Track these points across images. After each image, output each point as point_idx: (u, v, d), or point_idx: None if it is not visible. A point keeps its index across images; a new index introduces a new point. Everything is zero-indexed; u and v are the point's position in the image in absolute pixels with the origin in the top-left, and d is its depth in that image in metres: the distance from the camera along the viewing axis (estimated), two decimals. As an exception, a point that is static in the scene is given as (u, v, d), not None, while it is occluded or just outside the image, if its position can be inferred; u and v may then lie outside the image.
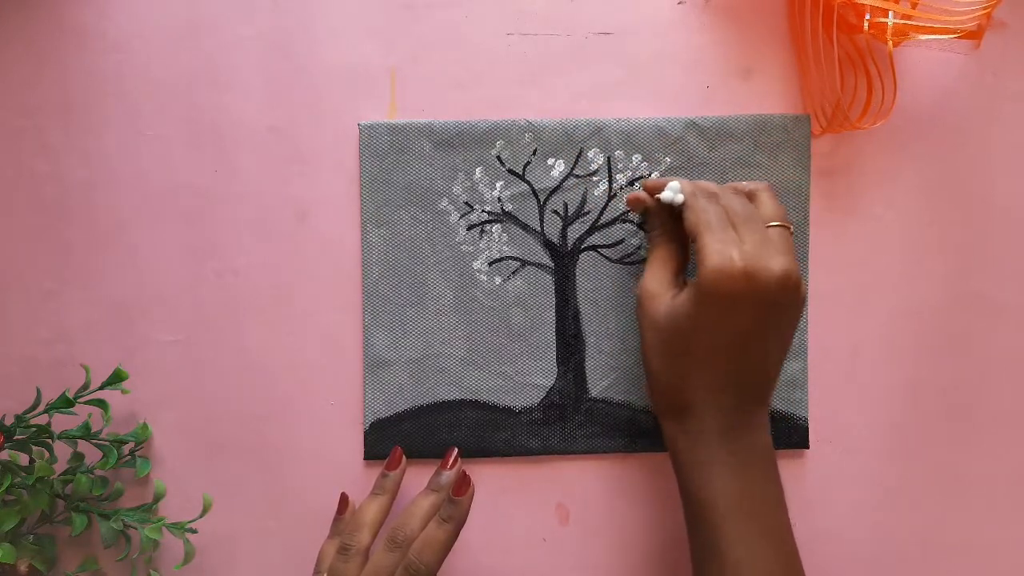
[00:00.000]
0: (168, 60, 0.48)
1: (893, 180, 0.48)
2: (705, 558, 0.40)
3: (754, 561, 0.38)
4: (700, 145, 0.48)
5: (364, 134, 0.48)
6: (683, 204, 0.42)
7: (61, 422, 0.46)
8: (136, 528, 0.46)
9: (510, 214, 0.48)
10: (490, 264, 0.48)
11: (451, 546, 0.42)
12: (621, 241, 0.48)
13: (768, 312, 0.39)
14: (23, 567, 0.46)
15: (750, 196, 0.43)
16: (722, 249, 0.38)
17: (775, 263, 0.38)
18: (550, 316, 0.48)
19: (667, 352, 0.41)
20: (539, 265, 0.48)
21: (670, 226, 0.43)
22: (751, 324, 0.39)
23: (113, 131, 0.48)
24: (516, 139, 0.48)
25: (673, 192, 0.42)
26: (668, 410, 0.42)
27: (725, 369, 0.40)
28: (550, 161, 0.48)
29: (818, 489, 0.49)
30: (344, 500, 0.46)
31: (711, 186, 0.42)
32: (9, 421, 0.46)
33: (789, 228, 0.41)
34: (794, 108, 0.48)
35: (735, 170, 0.48)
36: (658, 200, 0.43)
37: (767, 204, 0.42)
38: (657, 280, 0.42)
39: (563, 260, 0.48)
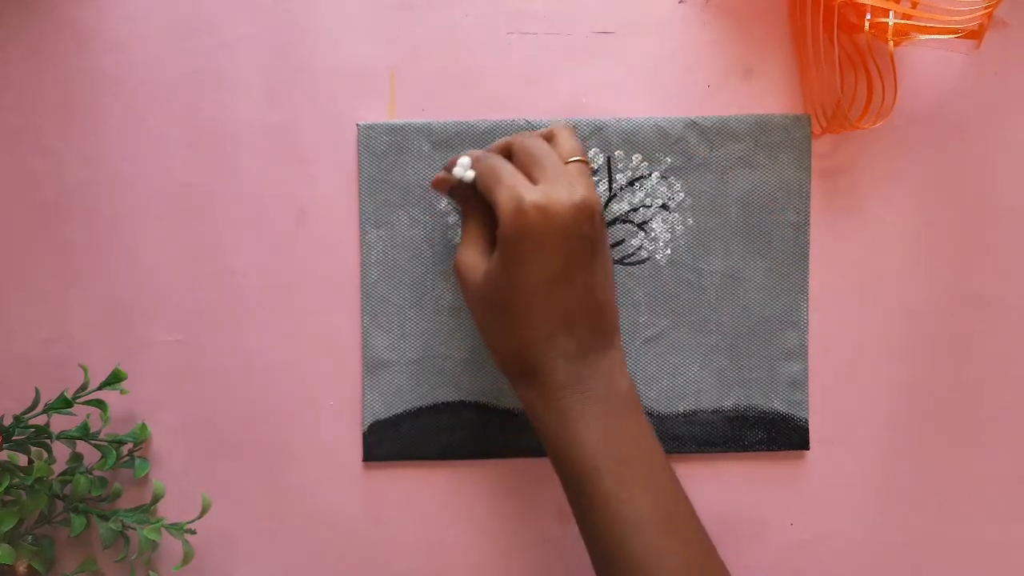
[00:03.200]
0: (168, 60, 0.48)
1: (893, 180, 0.48)
2: (586, 518, 0.39)
3: (633, 511, 0.37)
4: (700, 145, 0.48)
5: (363, 134, 0.48)
6: (472, 170, 0.41)
7: (60, 422, 0.46)
8: (135, 529, 0.46)
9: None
10: (489, 264, 0.48)
11: None
12: (621, 242, 0.48)
13: (574, 244, 0.38)
14: (22, 568, 0.46)
15: (547, 137, 0.41)
16: (512, 194, 0.37)
17: (568, 193, 0.37)
18: (550, 316, 0.48)
19: (494, 316, 0.40)
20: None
21: (476, 199, 0.42)
22: (561, 261, 0.38)
23: (113, 131, 0.48)
24: (516, 139, 0.48)
25: (463, 168, 0.41)
26: (517, 376, 0.40)
27: (552, 313, 0.38)
28: (550, 161, 0.48)
29: (818, 489, 0.49)
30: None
31: (505, 140, 0.42)
32: (8, 421, 0.45)
33: (586, 162, 0.40)
34: (794, 108, 0.48)
35: (735, 170, 0.48)
36: (454, 177, 0.42)
37: (564, 142, 0.41)
38: (470, 251, 0.41)
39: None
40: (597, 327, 0.40)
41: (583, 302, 0.39)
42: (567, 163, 0.40)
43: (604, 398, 0.39)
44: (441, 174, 0.43)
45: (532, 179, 0.39)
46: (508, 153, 0.41)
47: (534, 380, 0.39)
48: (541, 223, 0.37)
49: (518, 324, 0.39)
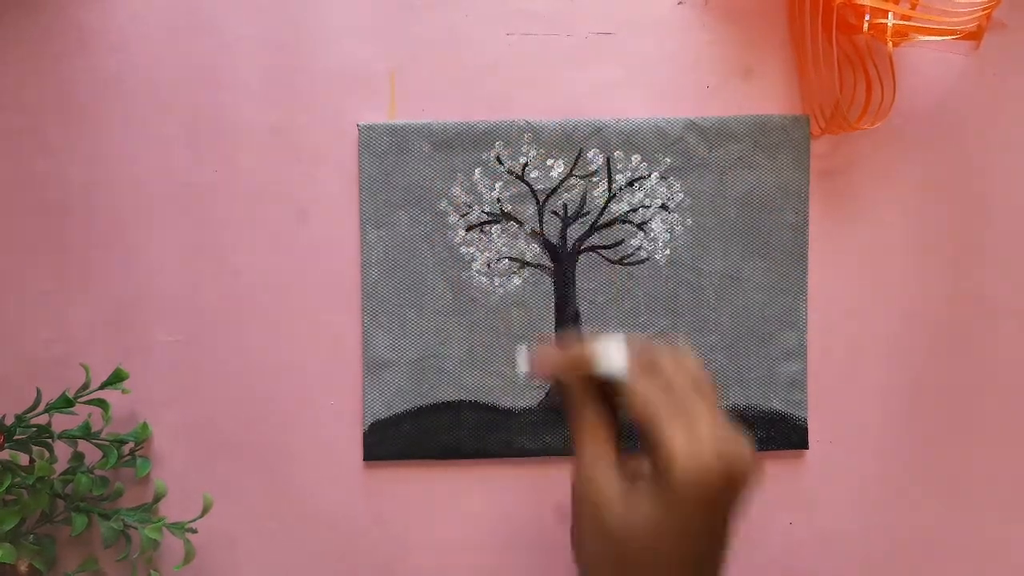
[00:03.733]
0: (169, 61, 0.48)
1: (892, 180, 0.48)
2: None
3: None
4: (700, 145, 0.48)
5: (363, 135, 0.48)
6: (629, 384, 0.33)
7: (61, 422, 0.46)
8: (136, 528, 0.46)
9: (509, 215, 0.48)
10: (489, 265, 0.48)
11: None
12: (621, 242, 0.48)
13: (739, 504, 0.32)
14: (23, 567, 0.46)
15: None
16: (689, 441, 0.31)
17: (743, 446, 0.31)
18: (549, 317, 0.48)
19: (621, 566, 0.32)
20: (538, 266, 0.48)
21: (592, 395, 0.35)
22: (723, 524, 0.32)
23: (113, 131, 0.48)
24: (515, 140, 0.48)
25: (617, 359, 0.34)
26: None
27: None
28: (549, 162, 0.48)
29: (818, 489, 0.49)
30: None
31: (649, 347, 0.35)
32: (9, 421, 0.46)
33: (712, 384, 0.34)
34: (793, 109, 0.48)
35: (734, 170, 0.48)
36: (582, 370, 0.34)
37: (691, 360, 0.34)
38: (605, 478, 0.33)
39: (562, 261, 0.48)
40: None
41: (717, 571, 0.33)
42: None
43: None
44: (569, 358, 0.35)
45: (689, 413, 0.32)
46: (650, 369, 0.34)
47: None
48: (723, 486, 0.31)
49: None
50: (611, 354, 0.34)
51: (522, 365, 0.38)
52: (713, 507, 0.31)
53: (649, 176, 0.48)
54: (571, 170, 0.48)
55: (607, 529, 0.32)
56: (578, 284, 0.48)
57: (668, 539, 0.31)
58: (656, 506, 0.31)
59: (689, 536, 0.31)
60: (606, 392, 0.35)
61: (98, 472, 0.47)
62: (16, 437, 0.45)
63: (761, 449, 0.48)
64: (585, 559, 0.34)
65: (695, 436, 0.31)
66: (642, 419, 0.32)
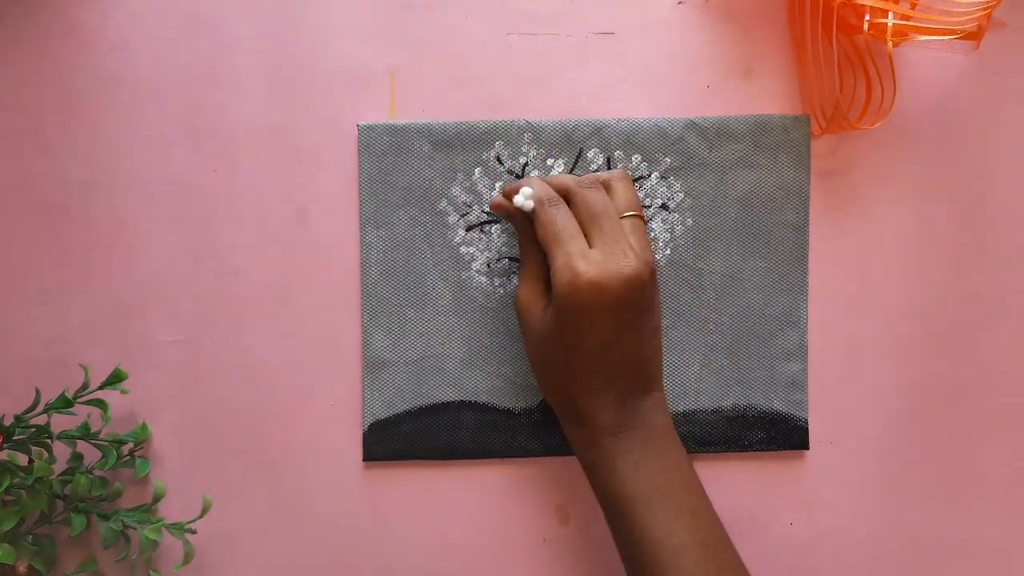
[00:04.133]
0: (169, 60, 0.48)
1: (892, 180, 0.48)
2: (626, 546, 0.41)
3: (670, 537, 0.39)
4: (700, 145, 0.48)
5: (363, 135, 0.48)
6: (533, 212, 0.42)
7: (60, 422, 0.46)
8: (135, 528, 0.46)
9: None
10: (489, 265, 0.48)
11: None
12: (621, 241, 0.48)
13: (624, 313, 0.40)
14: (22, 567, 0.46)
15: (605, 186, 0.43)
16: (568, 263, 0.39)
17: (622, 266, 0.39)
18: (550, 316, 0.48)
19: (546, 363, 0.42)
20: (538, 265, 0.48)
21: (533, 231, 0.43)
22: (611, 329, 0.40)
23: (114, 131, 0.48)
24: (515, 140, 0.48)
25: (524, 198, 0.42)
26: (562, 415, 0.43)
27: (599, 371, 0.41)
28: (549, 162, 0.48)
29: (818, 489, 0.49)
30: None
31: (566, 181, 0.43)
32: (8, 421, 0.45)
33: (642, 217, 0.42)
34: (794, 108, 0.48)
35: (735, 170, 0.48)
36: (513, 205, 0.43)
37: (620, 194, 0.42)
38: (529, 290, 0.43)
39: (563, 260, 0.48)
40: (639, 377, 0.42)
41: (629, 358, 0.41)
42: (622, 217, 0.41)
43: (642, 436, 0.41)
44: (499, 199, 0.45)
45: (589, 238, 0.41)
46: (568, 200, 0.42)
47: (579, 422, 0.42)
48: (594, 299, 0.39)
49: (568, 377, 0.41)
50: (524, 191, 0.42)
51: (519, 199, 0.42)
52: (589, 317, 0.39)
53: (649, 176, 0.48)
54: (571, 170, 0.48)
55: (532, 333, 0.42)
56: (578, 284, 0.48)
57: (564, 343, 0.40)
58: (553, 317, 0.40)
59: (577, 340, 0.40)
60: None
61: (97, 473, 0.47)
62: (15, 437, 0.45)
63: (761, 449, 0.48)
64: (531, 364, 0.44)
65: (574, 258, 0.39)
66: (542, 243, 0.41)
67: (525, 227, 0.44)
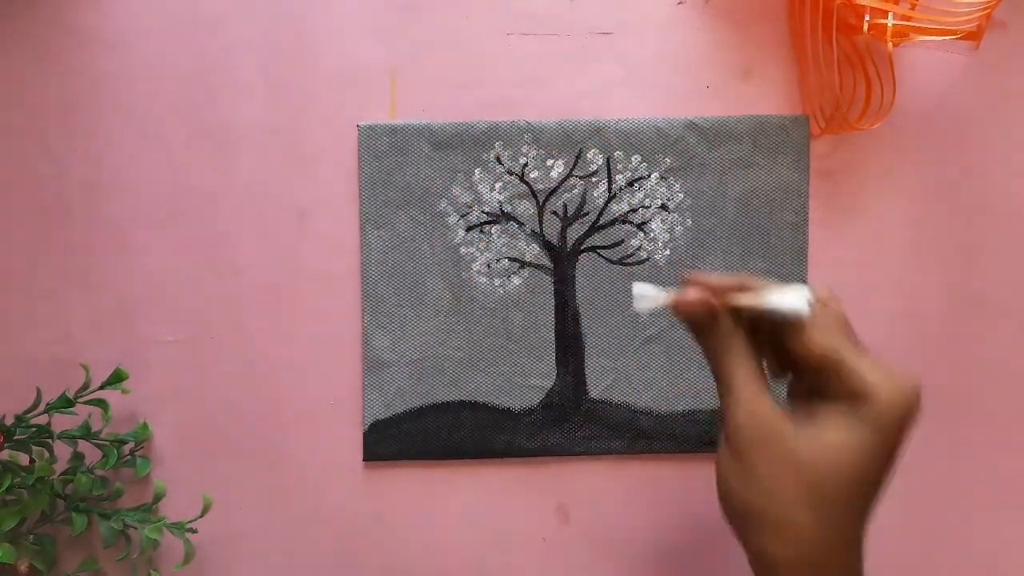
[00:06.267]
0: (169, 61, 0.48)
1: (891, 180, 0.48)
2: None
3: None
4: (699, 145, 0.48)
5: (363, 135, 0.48)
6: (808, 317, 0.34)
7: (61, 422, 0.46)
8: (136, 528, 0.46)
9: (509, 215, 0.48)
10: (489, 265, 0.48)
11: None
12: (621, 242, 0.48)
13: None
14: (23, 567, 0.46)
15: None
16: (885, 373, 0.33)
17: (909, 378, 0.33)
18: (549, 317, 0.48)
19: (814, 492, 0.32)
20: (538, 266, 0.48)
21: (743, 333, 0.35)
22: (902, 448, 0.33)
23: (115, 132, 0.48)
24: (515, 140, 0.48)
25: (802, 301, 0.34)
26: (799, 566, 0.33)
27: (870, 509, 0.33)
28: (549, 162, 0.48)
29: (817, 490, 0.49)
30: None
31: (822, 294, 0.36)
32: (9, 421, 0.46)
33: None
34: (793, 109, 0.48)
35: (734, 170, 0.48)
36: (744, 306, 0.35)
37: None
38: (774, 410, 0.34)
39: (562, 261, 0.48)
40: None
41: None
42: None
43: None
44: (701, 295, 0.35)
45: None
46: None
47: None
48: (916, 413, 0.33)
49: (845, 518, 0.33)
50: (789, 293, 0.34)
51: (642, 301, 0.35)
52: (909, 429, 0.32)
53: (649, 176, 0.48)
54: (571, 170, 0.48)
55: (795, 457, 0.33)
56: (578, 284, 0.48)
57: (873, 461, 0.32)
58: (858, 432, 0.32)
59: (889, 457, 0.33)
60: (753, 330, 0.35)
61: (98, 472, 0.47)
62: (16, 437, 0.45)
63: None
64: (757, 498, 0.33)
65: (881, 368, 0.33)
66: (825, 356, 0.33)
67: (736, 328, 0.35)
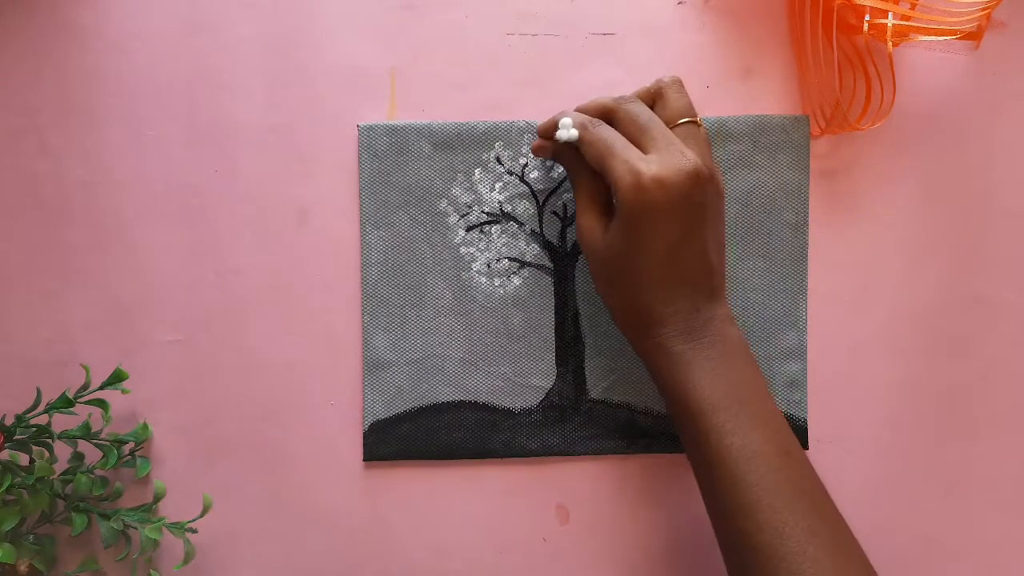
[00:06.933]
0: (168, 60, 0.48)
1: (892, 181, 0.48)
2: (701, 454, 0.40)
3: (747, 444, 0.39)
4: (700, 146, 0.48)
5: (363, 135, 0.48)
6: (579, 140, 0.42)
7: (61, 422, 0.46)
8: (136, 528, 0.46)
9: (509, 215, 0.48)
10: (489, 265, 0.48)
11: None
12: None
13: (690, 212, 0.40)
14: (23, 567, 0.46)
15: (655, 95, 0.43)
16: (628, 167, 0.39)
17: (681, 163, 0.39)
18: (549, 317, 0.48)
19: (615, 280, 0.42)
20: (538, 266, 0.48)
21: (581, 160, 0.43)
22: (679, 230, 0.39)
23: (113, 131, 0.48)
24: (515, 140, 0.48)
25: (567, 129, 0.42)
26: (634, 329, 0.42)
27: (669, 276, 0.40)
28: (549, 162, 0.48)
29: (817, 489, 0.49)
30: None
31: (604, 101, 0.43)
32: (9, 421, 0.46)
33: (697, 122, 0.42)
34: (793, 109, 0.48)
35: (734, 170, 0.48)
36: (557, 141, 0.42)
37: (672, 101, 0.42)
38: (589, 215, 0.42)
39: (562, 261, 0.48)
40: (707, 285, 0.41)
41: (696, 264, 0.41)
42: (675, 126, 0.41)
43: (715, 344, 0.41)
44: (539, 142, 0.44)
45: (642, 148, 0.40)
46: (610, 119, 0.42)
47: (651, 332, 0.41)
48: (661, 196, 0.39)
49: (638, 287, 0.41)
50: (564, 122, 0.42)
51: (562, 131, 0.42)
52: (656, 218, 0.39)
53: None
54: (571, 170, 0.48)
55: (597, 254, 0.42)
56: (578, 284, 0.48)
57: (633, 252, 0.40)
58: (619, 227, 0.40)
59: (646, 246, 0.40)
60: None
61: (98, 472, 0.47)
62: (16, 437, 0.45)
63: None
64: (597, 288, 0.43)
65: (632, 161, 0.39)
66: (595, 164, 0.41)
67: (572, 160, 0.43)
